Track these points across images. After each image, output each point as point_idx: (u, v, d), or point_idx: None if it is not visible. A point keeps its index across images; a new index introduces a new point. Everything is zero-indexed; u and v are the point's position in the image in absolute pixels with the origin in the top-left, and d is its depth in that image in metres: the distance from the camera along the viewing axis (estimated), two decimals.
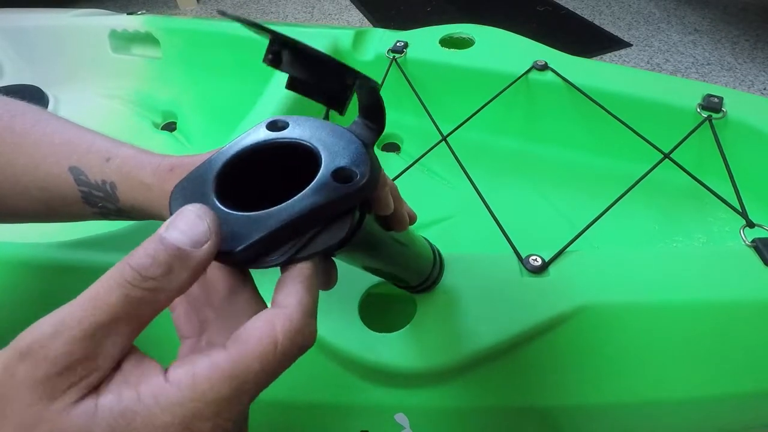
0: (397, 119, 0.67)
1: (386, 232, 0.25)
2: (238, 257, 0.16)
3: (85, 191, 0.31)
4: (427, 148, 0.51)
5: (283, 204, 0.17)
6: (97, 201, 0.31)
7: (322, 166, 0.18)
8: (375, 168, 0.18)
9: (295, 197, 0.17)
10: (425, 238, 0.32)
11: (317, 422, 0.33)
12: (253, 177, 0.20)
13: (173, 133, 0.72)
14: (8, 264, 0.39)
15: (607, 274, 0.33)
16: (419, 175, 0.60)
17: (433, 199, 0.58)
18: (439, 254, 0.33)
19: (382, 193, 0.23)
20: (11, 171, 0.31)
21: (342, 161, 0.18)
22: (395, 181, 0.49)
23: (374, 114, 0.21)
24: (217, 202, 0.18)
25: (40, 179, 0.30)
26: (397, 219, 0.26)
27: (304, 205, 0.17)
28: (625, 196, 0.42)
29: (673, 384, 0.30)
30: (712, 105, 0.48)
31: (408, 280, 0.30)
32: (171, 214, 0.16)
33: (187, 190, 0.18)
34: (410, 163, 0.50)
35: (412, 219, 0.29)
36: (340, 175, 0.18)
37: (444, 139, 0.51)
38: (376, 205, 0.22)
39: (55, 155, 0.30)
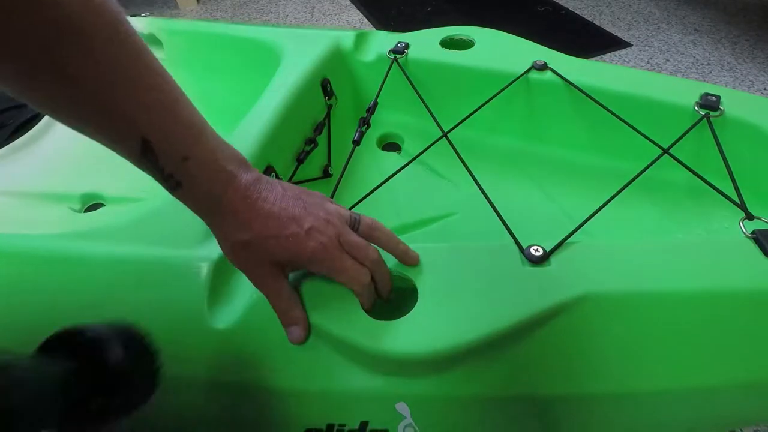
0: (398, 119, 0.67)
1: None
2: None
3: (145, 164, 0.28)
4: (430, 149, 0.51)
5: None
6: (152, 174, 0.29)
7: None
8: None
9: None
10: None
11: (317, 412, 0.33)
12: None
13: None
14: (13, 255, 0.39)
15: (609, 264, 0.33)
16: (422, 173, 0.61)
17: (435, 197, 0.58)
18: None
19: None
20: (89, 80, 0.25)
21: None
22: (394, 178, 0.49)
23: None
24: None
25: (105, 117, 0.26)
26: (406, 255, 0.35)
27: None
28: (626, 193, 0.42)
29: (675, 373, 0.30)
30: (709, 103, 0.48)
31: None
32: None
33: None
34: (413, 163, 0.50)
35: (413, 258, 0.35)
36: None
37: (445, 135, 0.52)
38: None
39: (134, 108, 0.26)
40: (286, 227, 0.30)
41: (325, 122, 0.61)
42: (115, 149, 0.28)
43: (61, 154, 0.67)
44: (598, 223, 0.40)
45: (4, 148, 0.67)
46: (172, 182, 0.29)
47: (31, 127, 0.69)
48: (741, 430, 0.64)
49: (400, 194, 0.57)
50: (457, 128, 0.54)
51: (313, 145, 0.57)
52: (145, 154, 0.27)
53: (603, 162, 0.58)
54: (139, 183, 0.62)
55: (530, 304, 0.31)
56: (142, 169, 0.29)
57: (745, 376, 0.30)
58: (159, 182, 0.29)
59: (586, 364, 0.30)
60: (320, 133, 0.60)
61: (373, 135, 0.66)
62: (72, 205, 0.61)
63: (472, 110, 0.55)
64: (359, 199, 0.46)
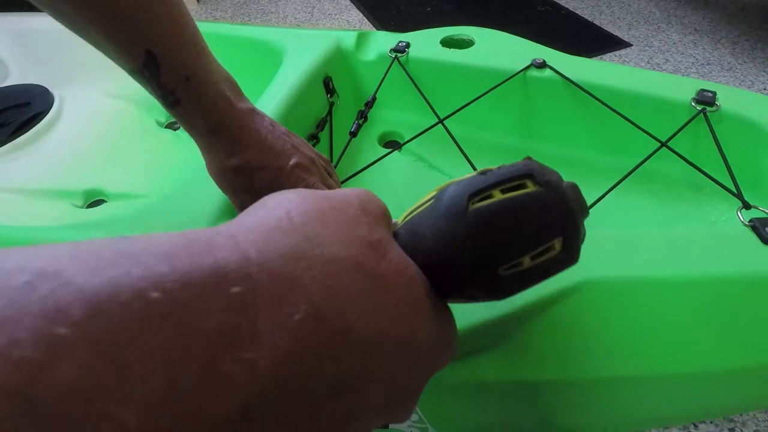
0: (399, 117, 0.68)
1: None
2: None
3: (145, 76, 0.28)
4: (429, 145, 0.52)
5: None
6: (149, 87, 0.28)
7: None
8: None
9: None
10: None
11: None
12: None
13: (176, 131, 0.73)
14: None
15: (609, 251, 0.33)
16: (423, 171, 0.61)
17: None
18: None
19: None
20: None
21: None
22: (393, 175, 0.50)
23: None
24: None
25: (114, 22, 0.26)
26: None
27: None
28: (625, 186, 0.42)
29: (674, 359, 0.30)
30: (705, 99, 0.49)
31: None
32: None
33: None
34: (412, 159, 0.50)
35: None
36: None
37: (441, 121, 0.52)
38: None
39: (146, 17, 0.26)
40: (277, 159, 0.31)
41: (327, 119, 0.61)
42: (114, 56, 0.27)
43: (63, 152, 0.67)
44: (598, 217, 0.40)
45: (7, 145, 0.67)
46: (171, 99, 0.29)
47: (34, 125, 0.69)
48: (741, 415, 0.64)
49: (398, 191, 0.57)
50: (456, 125, 0.54)
51: (315, 140, 0.58)
52: (147, 66, 0.27)
53: (602, 157, 0.58)
54: (141, 180, 0.63)
55: (530, 290, 0.31)
56: (139, 81, 0.28)
57: (745, 362, 0.30)
58: (156, 97, 0.29)
59: (587, 349, 0.31)
60: (322, 130, 0.60)
61: (374, 133, 0.67)
62: (74, 202, 0.62)
63: (472, 109, 0.55)
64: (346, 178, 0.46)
